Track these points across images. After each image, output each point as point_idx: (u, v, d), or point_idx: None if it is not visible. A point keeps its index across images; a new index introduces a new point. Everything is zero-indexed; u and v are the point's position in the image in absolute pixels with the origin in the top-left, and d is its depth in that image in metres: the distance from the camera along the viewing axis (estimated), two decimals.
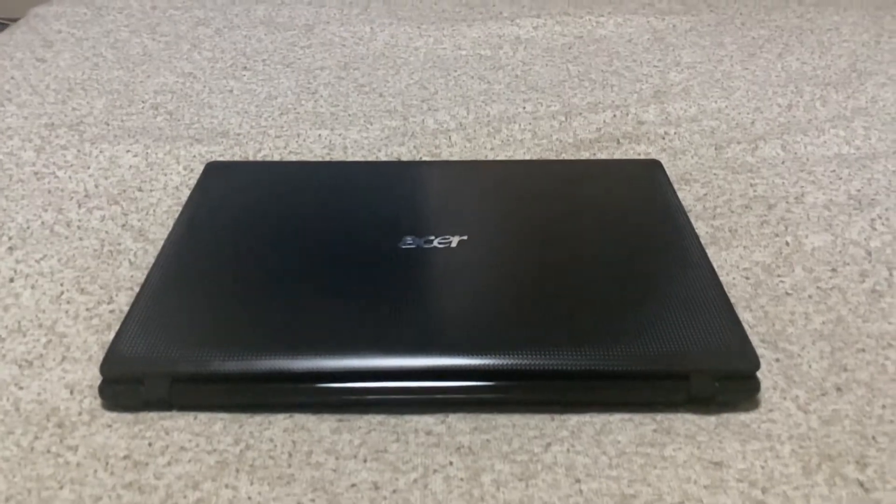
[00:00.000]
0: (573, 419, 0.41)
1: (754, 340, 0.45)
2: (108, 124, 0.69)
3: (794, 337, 0.47)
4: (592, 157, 0.65)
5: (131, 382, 0.42)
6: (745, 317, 0.48)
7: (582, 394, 0.42)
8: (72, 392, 0.43)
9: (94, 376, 0.43)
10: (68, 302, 0.49)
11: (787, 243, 0.54)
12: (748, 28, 0.89)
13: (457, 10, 0.94)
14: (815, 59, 0.81)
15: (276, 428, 0.41)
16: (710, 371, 0.42)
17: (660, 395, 0.42)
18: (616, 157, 0.65)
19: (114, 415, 0.42)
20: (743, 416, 0.42)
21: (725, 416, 0.42)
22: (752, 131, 0.69)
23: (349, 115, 0.71)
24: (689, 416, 0.42)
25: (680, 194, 0.58)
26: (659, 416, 0.42)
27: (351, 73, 0.79)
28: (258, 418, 0.41)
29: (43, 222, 0.57)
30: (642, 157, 0.65)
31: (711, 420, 0.41)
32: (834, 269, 0.52)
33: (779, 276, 0.52)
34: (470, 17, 0.92)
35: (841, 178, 0.61)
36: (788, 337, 0.47)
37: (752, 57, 0.82)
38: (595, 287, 0.47)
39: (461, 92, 0.76)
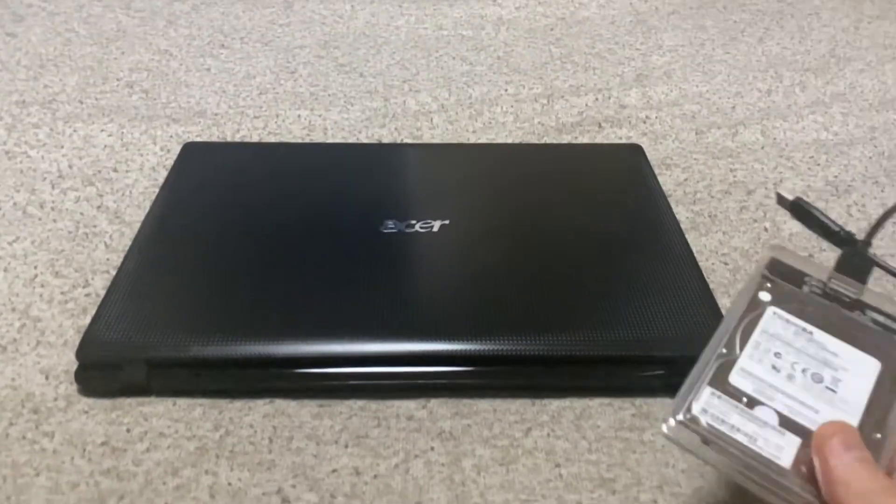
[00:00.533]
0: (553, 404, 0.42)
1: None
2: (81, 102, 0.68)
3: None
4: (574, 141, 0.65)
5: (108, 368, 0.41)
6: (723, 302, 0.48)
7: (562, 379, 0.43)
8: (47, 377, 0.42)
9: (69, 361, 0.43)
10: (42, 285, 0.48)
11: (766, 229, 0.55)
12: (729, 11, 0.89)
13: None
14: (794, 44, 0.81)
15: (257, 413, 0.41)
16: (688, 357, 0.42)
17: (638, 381, 0.43)
18: (598, 140, 0.65)
19: (91, 400, 0.41)
20: None
21: None
22: (732, 116, 0.69)
23: (329, 95, 0.71)
24: (668, 401, 0.42)
25: (661, 179, 0.58)
26: (638, 401, 0.42)
27: (331, 52, 0.78)
28: (238, 404, 0.41)
29: (15, 203, 0.55)
30: (624, 141, 0.65)
31: None
32: (810, 255, 0.52)
33: (757, 261, 0.52)
34: None
35: (819, 165, 0.62)
36: None
37: (734, 41, 0.82)
38: (576, 272, 0.47)
39: (443, 73, 0.75)
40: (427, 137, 0.65)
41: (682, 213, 0.56)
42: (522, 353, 0.42)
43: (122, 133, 0.63)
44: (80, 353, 0.41)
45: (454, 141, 0.65)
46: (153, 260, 0.47)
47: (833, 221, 0.36)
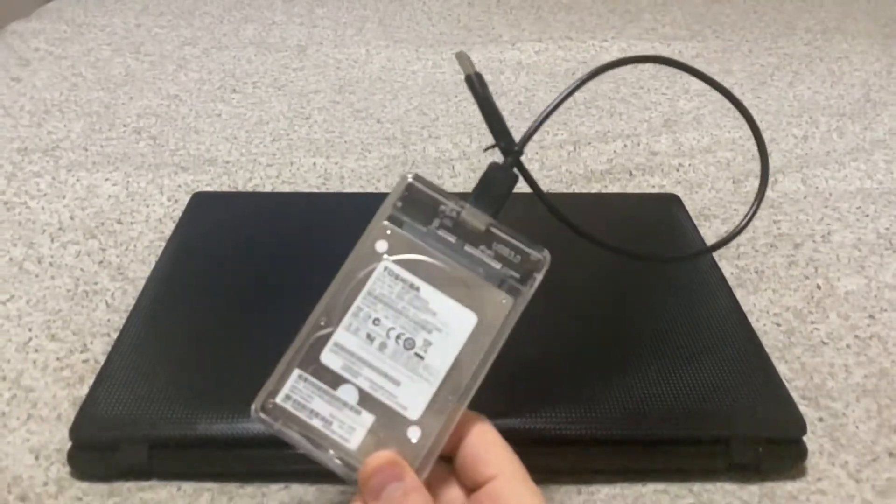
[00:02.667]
0: (602, 491, 0.37)
1: (794, 397, 0.41)
2: (86, 150, 0.65)
3: (836, 392, 0.43)
4: (605, 190, 0.61)
5: (105, 448, 0.37)
6: (780, 369, 0.44)
7: (610, 461, 0.38)
8: (37, 458, 0.38)
9: (62, 438, 0.38)
10: (36, 350, 0.44)
11: (819, 286, 0.51)
12: (755, 55, 0.86)
13: (455, 33, 0.91)
14: (827, 89, 0.78)
15: (271, 500, 0.36)
16: (752, 435, 0.38)
17: (697, 463, 0.38)
18: (629, 189, 0.62)
19: (85, 485, 0.37)
20: (789, 486, 0.38)
21: (769, 485, 0.38)
22: (769, 164, 0.65)
23: (345, 142, 0.67)
24: (730, 487, 0.38)
25: (700, 231, 0.54)
26: (696, 487, 0.38)
27: (346, 98, 0.75)
28: (250, 489, 0.37)
29: (11, 258, 0.52)
30: (657, 189, 0.62)
31: (754, 490, 0.37)
32: (871, 316, 0.48)
33: (812, 322, 0.48)
34: (469, 41, 0.88)
35: (868, 216, 0.58)
36: (830, 392, 0.43)
37: (763, 85, 0.79)
38: (616, 340, 0.43)
39: (463, 118, 0.72)
40: (449, 186, 0.62)
41: (726, 269, 0.52)
42: (564, 433, 0.37)
43: (128, 182, 0.60)
44: (74, 431, 0.37)
45: None
46: (158, 322, 0.43)
47: (502, 122, 0.32)
